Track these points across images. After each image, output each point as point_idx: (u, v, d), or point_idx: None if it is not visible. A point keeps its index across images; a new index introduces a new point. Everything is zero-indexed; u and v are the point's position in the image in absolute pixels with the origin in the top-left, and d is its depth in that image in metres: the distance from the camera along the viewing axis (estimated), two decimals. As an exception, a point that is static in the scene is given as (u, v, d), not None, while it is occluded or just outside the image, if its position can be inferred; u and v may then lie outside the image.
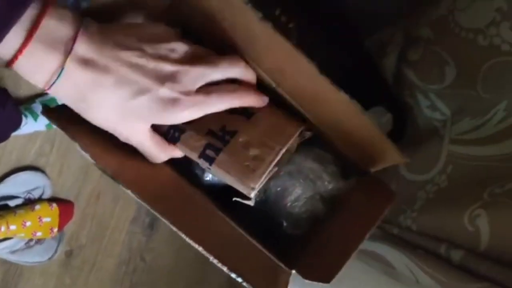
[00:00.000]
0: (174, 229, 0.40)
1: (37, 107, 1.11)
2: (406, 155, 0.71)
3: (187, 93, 0.37)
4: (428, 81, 0.67)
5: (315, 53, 0.71)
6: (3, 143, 1.07)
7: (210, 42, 0.46)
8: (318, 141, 0.54)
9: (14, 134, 1.06)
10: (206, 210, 0.48)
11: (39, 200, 1.14)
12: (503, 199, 0.49)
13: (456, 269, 0.50)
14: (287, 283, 0.45)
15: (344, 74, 0.73)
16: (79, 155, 1.16)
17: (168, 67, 0.37)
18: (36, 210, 1.10)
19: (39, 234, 1.11)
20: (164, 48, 0.38)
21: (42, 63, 0.34)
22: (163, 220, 0.40)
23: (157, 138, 0.41)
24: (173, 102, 0.37)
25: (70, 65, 0.34)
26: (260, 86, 0.52)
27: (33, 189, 1.13)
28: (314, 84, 0.45)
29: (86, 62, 0.35)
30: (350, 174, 0.54)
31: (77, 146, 0.41)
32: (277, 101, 0.50)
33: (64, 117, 0.43)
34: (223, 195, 0.52)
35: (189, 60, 0.39)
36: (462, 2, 0.60)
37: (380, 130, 0.46)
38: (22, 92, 1.12)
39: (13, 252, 1.10)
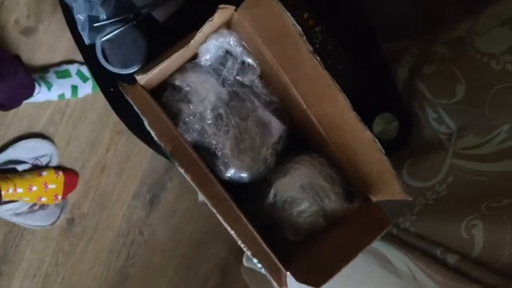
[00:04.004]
0: (216, 213, 0.44)
1: (51, 76, 1.12)
2: (410, 162, 0.76)
3: None
4: (438, 96, 0.71)
5: (334, 59, 0.75)
6: (15, 110, 1.09)
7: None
8: (332, 163, 0.60)
9: (26, 101, 1.08)
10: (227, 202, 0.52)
11: (46, 167, 1.16)
12: (499, 213, 0.54)
13: (451, 270, 0.56)
14: (286, 281, 0.50)
15: (359, 80, 0.78)
16: (87, 128, 1.19)
17: None
18: (42, 176, 1.13)
19: (43, 199, 1.14)
20: None
21: None
22: (208, 203, 0.45)
23: None
24: None
25: None
26: (290, 106, 0.58)
27: (41, 156, 1.15)
28: (344, 116, 0.51)
29: None
30: (354, 198, 0.60)
31: (145, 122, 0.45)
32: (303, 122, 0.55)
33: (137, 93, 0.48)
34: (239, 191, 0.58)
35: None
36: (480, 28, 0.64)
37: (393, 169, 0.51)
38: (37, 60, 1.13)
39: (17, 214, 1.13)
